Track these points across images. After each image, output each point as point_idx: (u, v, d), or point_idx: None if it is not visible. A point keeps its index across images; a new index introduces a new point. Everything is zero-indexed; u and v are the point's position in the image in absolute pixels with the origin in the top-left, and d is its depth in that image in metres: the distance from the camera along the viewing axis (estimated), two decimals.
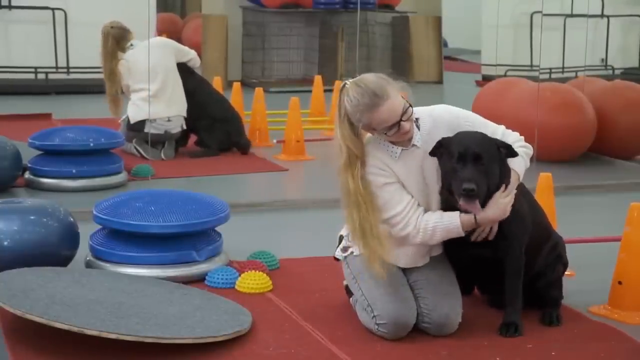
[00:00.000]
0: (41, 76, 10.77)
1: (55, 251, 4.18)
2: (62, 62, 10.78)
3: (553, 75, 11.22)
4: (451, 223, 3.53)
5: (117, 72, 7.11)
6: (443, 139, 3.53)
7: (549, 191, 4.43)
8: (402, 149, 3.57)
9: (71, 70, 10.80)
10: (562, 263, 3.86)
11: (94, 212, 4.31)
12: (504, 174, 3.57)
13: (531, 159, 3.72)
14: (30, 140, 6.17)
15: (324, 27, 12.43)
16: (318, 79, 9.38)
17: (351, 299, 3.84)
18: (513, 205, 3.56)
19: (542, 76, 9.19)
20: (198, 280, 4.21)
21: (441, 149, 3.53)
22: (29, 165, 6.11)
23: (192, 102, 7.25)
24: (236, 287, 4.14)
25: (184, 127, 7.24)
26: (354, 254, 3.69)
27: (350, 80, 3.53)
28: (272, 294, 4.10)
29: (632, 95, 7.45)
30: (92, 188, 6.01)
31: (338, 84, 6.81)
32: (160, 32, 10.72)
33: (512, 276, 3.63)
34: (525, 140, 3.71)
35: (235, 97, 8.49)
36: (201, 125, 7.34)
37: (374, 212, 3.52)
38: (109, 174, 6.17)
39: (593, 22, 11.31)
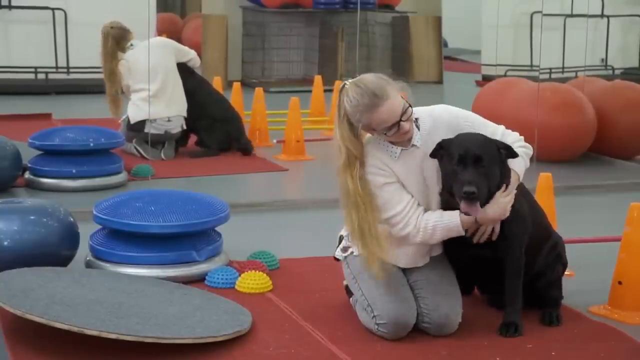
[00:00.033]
0: (41, 76, 10.77)
1: (55, 251, 4.18)
2: (62, 62, 10.79)
3: (553, 75, 11.22)
4: (451, 222, 3.53)
5: (117, 72, 7.11)
6: (443, 140, 3.53)
7: (549, 191, 4.43)
8: (402, 149, 3.57)
9: (71, 70, 10.80)
10: (561, 263, 3.86)
11: (94, 212, 4.31)
12: (505, 175, 3.57)
13: (531, 159, 3.72)
14: (30, 140, 6.17)
15: (324, 27, 12.43)
16: (318, 79, 9.38)
17: (351, 299, 3.84)
18: (513, 206, 3.57)
19: (542, 76, 9.19)
20: (198, 280, 4.21)
21: (441, 151, 3.53)
22: (29, 165, 6.11)
23: (192, 102, 7.25)
24: (236, 287, 4.14)
25: (184, 127, 7.24)
26: (354, 254, 3.69)
27: (350, 81, 3.53)
28: (272, 294, 4.10)
29: (632, 95, 7.45)
30: (92, 188, 6.01)
31: (338, 84, 6.80)
32: (160, 32, 10.72)
33: (512, 276, 3.63)
34: (525, 140, 3.71)
35: (235, 97, 8.49)
36: (201, 125, 7.34)
37: (372, 212, 3.52)
38: (109, 174, 6.17)
39: (593, 22, 11.31)
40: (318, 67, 12.26)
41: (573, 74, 10.57)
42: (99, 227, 4.38)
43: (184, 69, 7.27)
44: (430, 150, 3.56)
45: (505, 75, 10.54)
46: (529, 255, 3.67)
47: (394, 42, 12.86)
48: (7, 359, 3.36)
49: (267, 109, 8.02)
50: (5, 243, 4.08)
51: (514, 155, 3.57)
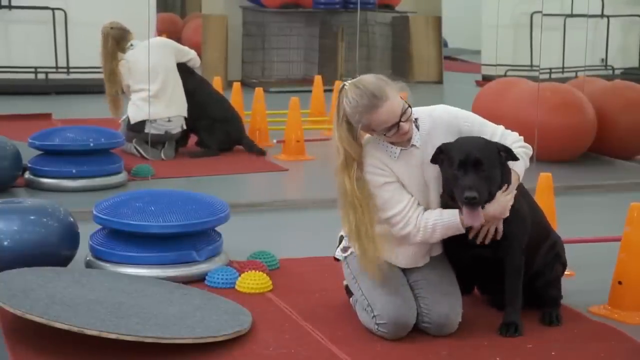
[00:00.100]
0: (41, 76, 10.77)
1: (55, 251, 4.18)
2: (62, 62, 10.79)
3: (553, 75, 11.22)
4: (451, 220, 3.53)
5: (118, 73, 7.11)
6: (443, 144, 3.53)
7: (549, 191, 4.43)
8: (402, 149, 3.57)
9: (71, 70, 10.80)
10: (560, 263, 3.86)
11: (94, 212, 4.31)
12: (505, 176, 3.57)
13: (531, 159, 3.72)
14: (30, 140, 6.17)
15: (324, 27, 12.43)
16: (318, 79, 9.38)
17: (351, 299, 3.84)
18: (513, 206, 3.57)
19: (542, 76, 9.19)
20: (198, 280, 4.21)
21: (441, 155, 3.52)
22: (29, 165, 6.11)
23: (192, 102, 7.25)
24: (236, 287, 4.14)
25: (184, 127, 7.24)
26: (354, 254, 3.69)
27: (349, 82, 3.53)
28: (272, 294, 4.10)
29: (632, 95, 7.45)
30: (92, 188, 6.01)
31: (338, 84, 6.80)
32: (160, 32, 10.72)
33: (512, 276, 3.63)
34: (525, 140, 3.71)
35: (235, 97, 8.49)
36: (201, 126, 7.34)
37: (369, 214, 3.52)
38: (109, 174, 6.17)
39: (593, 22, 11.31)
40: (318, 67, 12.26)
41: (573, 74, 10.57)
42: (99, 227, 4.38)
43: (184, 69, 7.27)
44: (429, 150, 3.56)
45: (505, 75, 10.54)
46: (527, 254, 3.67)
47: (394, 42, 12.86)
48: (7, 359, 3.36)
49: (267, 109, 8.02)
50: (5, 243, 4.08)
51: (514, 158, 3.56)
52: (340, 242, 3.81)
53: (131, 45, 7.14)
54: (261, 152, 7.38)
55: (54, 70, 10.77)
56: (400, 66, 12.42)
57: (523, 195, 3.71)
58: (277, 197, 6.07)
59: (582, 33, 9.23)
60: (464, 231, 3.55)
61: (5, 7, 10.58)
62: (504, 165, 3.56)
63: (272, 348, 3.50)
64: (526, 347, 3.53)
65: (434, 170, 3.59)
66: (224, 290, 4.11)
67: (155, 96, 6.97)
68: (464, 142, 3.52)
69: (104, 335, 3.28)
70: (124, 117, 7.22)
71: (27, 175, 6.12)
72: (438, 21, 12.92)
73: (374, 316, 3.58)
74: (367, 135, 3.61)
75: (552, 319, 3.76)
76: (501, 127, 3.70)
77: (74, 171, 6.06)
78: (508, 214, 3.56)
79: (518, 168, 3.61)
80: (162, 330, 3.39)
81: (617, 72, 12.00)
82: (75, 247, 4.32)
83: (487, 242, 3.59)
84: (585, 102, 7.14)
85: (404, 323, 3.56)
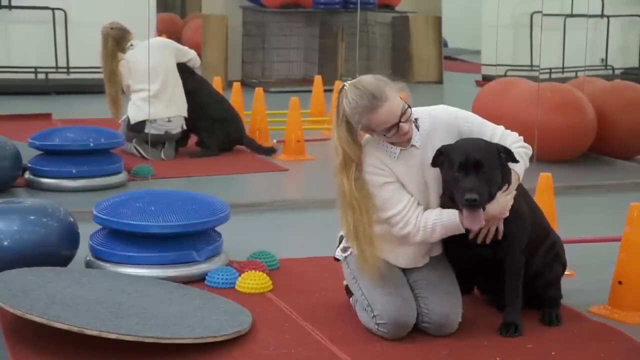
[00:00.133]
0: (41, 76, 10.77)
1: (55, 251, 4.18)
2: (62, 62, 10.79)
3: (553, 75, 11.21)
4: (450, 220, 3.53)
5: (118, 73, 7.11)
6: (443, 146, 3.53)
7: (549, 191, 4.43)
8: (401, 149, 3.57)
9: (71, 70, 10.80)
10: (560, 263, 3.86)
11: (94, 212, 4.31)
12: (505, 177, 3.57)
13: (531, 159, 3.73)
14: (30, 140, 6.17)
15: (324, 27, 12.43)
16: (318, 79, 9.38)
17: (351, 299, 3.84)
18: (513, 206, 3.57)
19: (542, 76, 9.19)
20: (198, 280, 4.21)
21: (442, 157, 3.52)
22: (29, 165, 6.11)
23: (192, 102, 7.25)
24: (236, 287, 4.14)
25: (184, 127, 7.24)
26: (354, 254, 3.69)
27: (349, 82, 3.53)
28: (272, 294, 4.10)
29: (632, 95, 7.45)
30: (92, 188, 6.01)
31: (338, 84, 6.80)
32: (160, 32, 10.72)
33: (512, 276, 3.63)
34: (525, 140, 3.71)
35: (235, 97, 8.49)
36: (201, 126, 7.34)
37: (367, 214, 3.53)
38: (109, 174, 6.17)
39: (593, 22, 11.31)
40: (318, 67, 12.26)
41: (573, 74, 10.57)
42: (99, 227, 4.38)
43: (184, 69, 7.27)
44: (429, 151, 3.56)
45: (505, 75, 10.54)
46: (526, 254, 3.67)
47: (394, 42, 12.86)
48: (7, 359, 3.36)
49: (267, 109, 8.02)
50: (5, 243, 4.08)
51: (514, 160, 3.56)
52: (340, 242, 3.81)
53: (131, 45, 7.14)
54: (270, 151, 7.37)
55: (54, 70, 10.77)
56: (400, 66, 12.42)
57: (523, 195, 3.71)
58: (277, 197, 6.07)
59: (582, 33, 9.23)
60: (463, 231, 3.55)
61: (5, 7, 10.59)
62: (504, 166, 3.56)
63: (272, 348, 3.50)
64: (526, 347, 3.53)
65: (434, 171, 3.59)
66: (224, 290, 4.11)
67: (155, 96, 6.97)
68: (464, 144, 3.52)
69: (104, 335, 3.28)
70: (124, 117, 7.22)
71: (27, 175, 6.12)
72: (438, 21, 12.92)
73: (374, 316, 3.58)
74: (367, 136, 3.61)
75: (552, 319, 3.76)
76: (501, 127, 3.70)
77: (74, 171, 6.06)
78: (508, 214, 3.56)
79: (518, 168, 3.61)
80: (162, 330, 3.39)
81: (617, 72, 12.00)
82: (75, 247, 4.32)
83: (487, 241, 3.59)
84: (585, 102, 7.14)
85: (404, 323, 3.56)
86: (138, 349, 3.37)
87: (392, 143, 3.57)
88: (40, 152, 6.17)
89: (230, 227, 4.52)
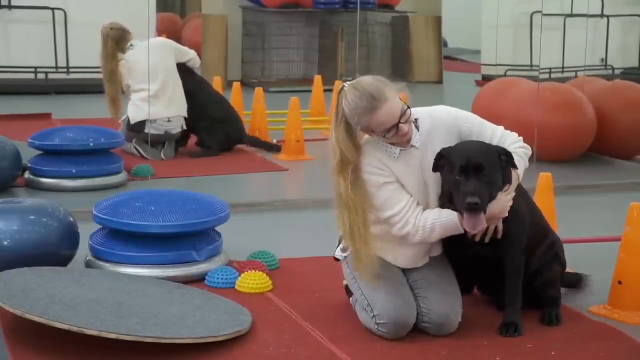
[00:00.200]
0: (41, 76, 10.77)
1: (55, 251, 4.18)
2: (62, 62, 10.79)
3: (553, 75, 11.21)
4: (450, 220, 3.53)
5: (118, 73, 7.11)
6: (444, 149, 3.53)
7: (549, 191, 4.43)
8: (401, 150, 3.57)
9: (71, 70, 10.80)
10: (559, 263, 3.86)
11: (94, 212, 4.31)
12: (506, 178, 3.57)
13: (531, 159, 3.73)
14: (30, 140, 6.17)
15: (324, 27, 12.43)
16: (318, 79, 9.38)
17: (351, 299, 3.84)
18: (512, 206, 3.57)
19: (542, 76, 9.18)
20: (198, 280, 4.21)
21: (442, 160, 3.52)
22: (29, 165, 6.11)
23: (192, 102, 7.25)
24: (236, 287, 4.14)
25: (184, 127, 7.24)
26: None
27: (348, 84, 3.52)
28: (272, 294, 4.10)
29: (632, 95, 7.45)
30: (92, 188, 6.01)
31: (338, 84, 6.80)
32: (160, 32, 10.73)
33: (512, 276, 3.63)
34: (525, 140, 3.71)
35: (235, 97, 8.49)
36: (201, 126, 7.34)
37: (364, 215, 3.53)
38: (109, 174, 6.17)
39: (593, 22, 11.31)
40: (318, 67, 12.26)
41: (573, 74, 10.57)
42: (99, 227, 4.38)
43: (184, 70, 7.27)
44: (429, 152, 3.56)
45: (505, 75, 10.54)
46: (525, 254, 3.67)
47: (394, 42, 12.86)
48: (7, 359, 3.36)
49: (267, 109, 8.02)
50: (5, 243, 4.08)
51: (513, 165, 3.56)
52: (340, 242, 3.81)
53: (131, 45, 7.14)
54: (275, 147, 7.37)
55: (54, 70, 10.77)
56: (400, 66, 12.42)
57: (522, 195, 3.72)
58: (277, 197, 6.07)
59: (582, 33, 9.23)
60: (462, 231, 3.55)
61: (5, 7, 10.59)
62: (504, 168, 3.56)
63: (272, 348, 3.50)
64: (526, 347, 3.53)
65: None
66: (224, 290, 4.11)
67: (155, 96, 6.97)
68: (465, 147, 3.52)
69: (104, 335, 3.28)
70: (124, 117, 7.23)
71: (27, 175, 6.13)
72: (438, 21, 12.92)
73: (374, 316, 3.58)
74: (367, 136, 3.61)
75: (552, 319, 3.76)
76: (501, 128, 3.70)
77: (74, 171, 6.06)
78: (507, 214, 3.56)
79: (518, 169, 3.61)
80: (162, 330, 3.39)
81: (617, 72, 12.00)
82: (75, 247, 4.32)
83: (486, 240, 3.59)
84: (585, 102, 7.14)
85: (404, 323, 3.56)
86: (138, 349, 3.37)
87: (392, 144, 3.57)
88: (40, 152, 6.17)
89: (230, 227, 4.52)
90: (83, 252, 4.35)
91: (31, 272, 3.84)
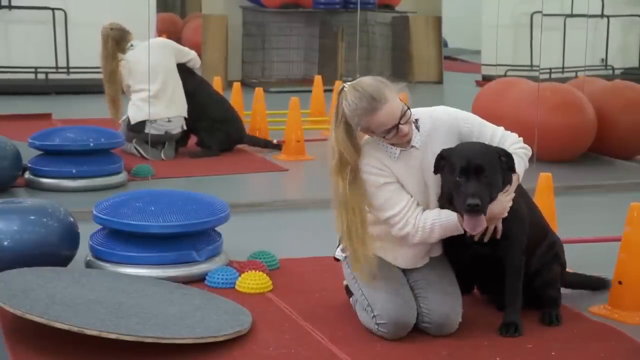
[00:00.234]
0: (41, 76, 10.77)
1: (55, 251, 4.18)
2: (62, 62, 10.79)
3: (553, 75, 11.22)
4: (449, 220, 3.53)
5: (118, 73, 7.11)
6: (444, 150, 3.53)
7: (549, 191, 4.43)
8: (401, 150, 3.58)
9: (71, 70, 10.80)
10: (559, 263, 3.86)
11: (94, 212, 4.31)
12: (506, 178, 3.57)
13: (531, 159, 3.73)
14: (30, 140, 6.17)
15: (324, 27, 12.43)
16: (318, 79, 9.38)
17: (351, 299, 3.84)
18: (512, 207, 3.57)
19: (542, 76, 9.19)
20: (198, 280, 4.21)
21: (442, 162, 3.52)
22: (29, 165, 6.11)
23: (192, 103, 7.25)
24: (236, 287, 4.14)
25: (184, 127, 7.24)
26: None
27: (348, 84, 3.52)
28: (272, 294, 4.10)
29: (632, 95, 7.45)
30: (92, 188, 6.01)
31: (338, 84, 6.80)
32: (160, 32, 10.73)
33: (512, 276, 3.63)
34: (525, 141, 3.71)
35: (235, 97, 8.49)
36: (201, 126, 7.34)
37: (361, 215, 3.53)
38: (109, 174, 6.17)
39: (593, 22, 11.31)
40: (318, 67, 12.26)
41: (573, 74, 10.57)
42: (99, 227, 4.38)
43: (184, 70, 7.27)
44: (429, 152, 3.57)
45: (505, 75, 10.55)
46: (525, 254, 3.67)
47: (394, 42, 12.86)
48: (7, 359, 3.36)
49: (267, 109, 8.03)
50: (5, 243, 4.08)
51: (512, 168, 3.56)
52: (340, 242, 3.81)
53: (131, 45, 7.14)
54: (277, 146, 7.38)
55: (54, 70, 10.77)
56: (400, 66, 12.42)
57: (522, 195, 3.72)
58: (277, 197, 6.07)
59: (582, 33, 9.22)
60: (462, 231, 3.55)
61: (5, 7, 10.59)
62: (504, 170, 3.56)
63: (272, 348, 3.50)
64: (526, 347, 3.53)
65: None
66: (224, 290, 4.11)
67: (155, 96, 6.97)
68: (465, 148, 3.52)
69: (104, 335, 3.28)
70: (124, 117, 7.23)
71: (27, 175, 6.13)
72: (438, 21, 12.92)
73: (374, 316, 3.58)
74: (366, 136, 3.61)
75: (552, 319, 3.76)
76: (501, 128, 3.70)
77: (74, 171, 6.06)
78: (507, 214, 3.56)
79: (518, 169, 3.61)
80: (162, 330, 3.39)
81: (617, 72, 12.00)
82: (75, 247, 4.32)
83: (485, 240, 3.59)
84: (585, 102, 7.14)
85: (404, 323, 3.56)
86: (138, 349, 3.37)
87: (392, 144, 3.57)
88: (40, 152, 6.17)
89: (230, 227, 4.52)
90: (83, 252, 4.35)
91: (31, 272, 3.84)
